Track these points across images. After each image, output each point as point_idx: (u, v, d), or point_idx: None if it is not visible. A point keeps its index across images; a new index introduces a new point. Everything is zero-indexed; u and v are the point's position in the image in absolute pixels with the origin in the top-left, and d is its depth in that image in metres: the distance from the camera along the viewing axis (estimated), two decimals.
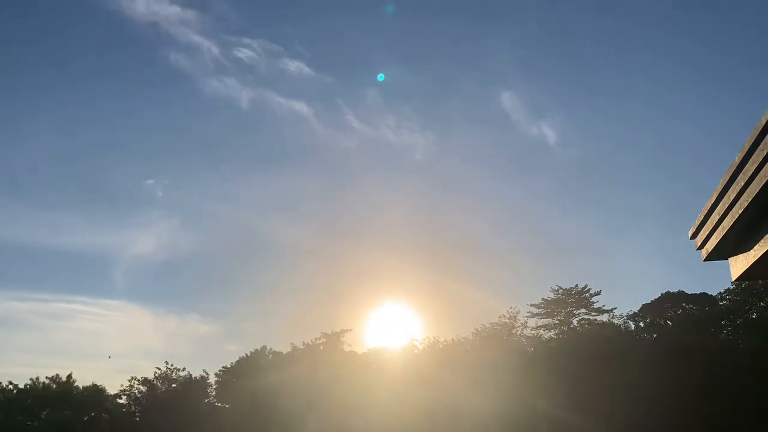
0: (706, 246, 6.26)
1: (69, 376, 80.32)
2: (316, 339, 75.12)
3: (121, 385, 75.11)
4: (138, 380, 74.33)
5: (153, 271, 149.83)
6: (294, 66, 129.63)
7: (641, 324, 69.94)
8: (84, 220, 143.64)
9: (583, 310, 71.55)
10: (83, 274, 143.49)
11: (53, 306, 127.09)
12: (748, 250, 5.70)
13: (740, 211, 5.16)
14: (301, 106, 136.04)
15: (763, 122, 4.54)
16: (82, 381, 79.43)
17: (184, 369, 74.87)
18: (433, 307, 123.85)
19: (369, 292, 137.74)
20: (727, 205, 5.41)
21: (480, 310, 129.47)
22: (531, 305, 71.93)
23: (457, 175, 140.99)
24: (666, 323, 68.36)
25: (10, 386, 78.92)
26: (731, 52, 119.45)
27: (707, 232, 6.10)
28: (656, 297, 70.91)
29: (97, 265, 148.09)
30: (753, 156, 4.74)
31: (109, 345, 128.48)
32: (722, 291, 66.62)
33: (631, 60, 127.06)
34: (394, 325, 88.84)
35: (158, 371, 74.24)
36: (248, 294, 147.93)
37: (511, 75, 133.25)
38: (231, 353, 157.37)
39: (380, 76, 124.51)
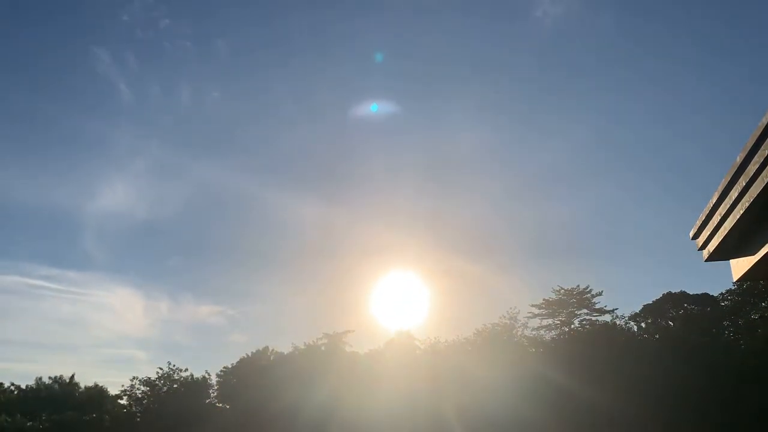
0: (708, 247, 6.27)
1: (72, 377, 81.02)
2: (317, 339, 75.27)
3: (122, 386, 75.53)
4: (139, 380, 74.60)
5: (131, 236, 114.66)
6: None
7: (643, 324, 69.93)
8: (21, 155, 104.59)
9: (585, 311, 71.45)
10: (36, 237, 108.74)
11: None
12: (750, 251, 5.71)
13: (741, 212, 5.17)
14: None
15: (765, 123, 4.55)
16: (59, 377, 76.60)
17: (186, 369, 75.20)
18: (440, 280, 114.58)
19: (379, 260, 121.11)
20: (728, 206, 5.42)
21: (482, 284, 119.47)
22: (532, 305, 71.94)
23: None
24: (668, 324, 68.35)
25: (12, 387, 79.38)
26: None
27: (709, 233, 6.11)
28: (657, 297, 71.01)
29: (55, 225, 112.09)
30: (755, 157, 4.75)
31: (89, 331, 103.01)
32: (724, 291, 66.71)
33: None
34: (401, 298, 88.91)
35: (160, 371, 74.47)
36: (249, 270, 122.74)
37: None
38: (238, 346, 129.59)
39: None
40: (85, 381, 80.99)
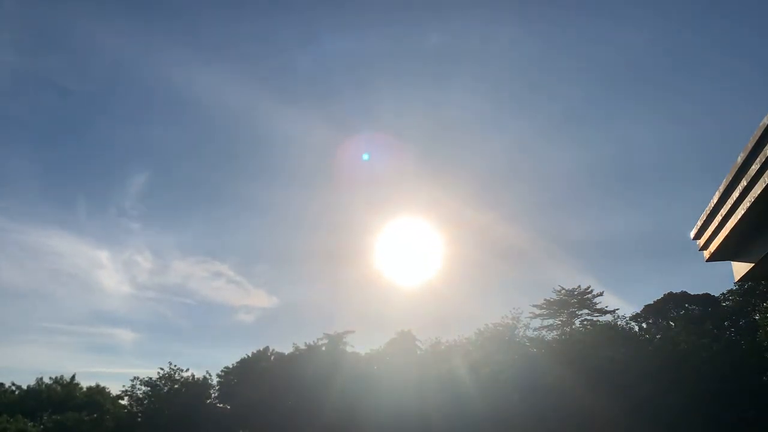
0: (709, 247, 6.26)
1: (73, 378, 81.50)
2: (318, 339, 75.48)
3: (123, 386, 75.88)
4: (140, 380, 74.84)
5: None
6: None
7: (644, 325, 69.88)
8: None
9: (586, 311, 71.46)
10: None
11: None
12: (751, 252, 5.70)
13: (743, 213, 5.16)
14: None
15: (765, 123, 4.53)
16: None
17: (188, 369, 75.52)
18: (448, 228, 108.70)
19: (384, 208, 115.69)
20: (729, 207, 5.41)
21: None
22: (533, 306, 72.02)
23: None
24: (669, 324, 68.28)
25: (12, 387, 79.74)
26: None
27: (710, 234, 6.10)
28: (659, 298, 71.03)
29: None
30: (756, 157, 4.74)
31: (50, 301, 75.74)
32: (725, 292, 66.73)
33: None
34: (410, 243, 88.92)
35: (161, 371, 74.71)
36: (239, 210, 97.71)
37: None
38: (245, 328, 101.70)
39: None
40: (57, 374, 79.35)
